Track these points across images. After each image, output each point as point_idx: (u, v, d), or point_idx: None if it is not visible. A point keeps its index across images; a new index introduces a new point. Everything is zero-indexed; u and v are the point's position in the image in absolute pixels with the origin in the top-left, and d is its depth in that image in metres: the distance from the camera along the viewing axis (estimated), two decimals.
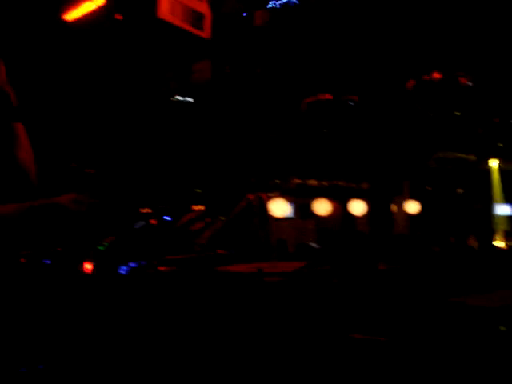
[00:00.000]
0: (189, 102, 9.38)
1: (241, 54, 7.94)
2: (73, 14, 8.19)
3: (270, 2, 7.95)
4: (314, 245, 11.52)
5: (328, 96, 8.68)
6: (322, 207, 11.90)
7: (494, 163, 14.49)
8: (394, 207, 14.11)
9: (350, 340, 4.31)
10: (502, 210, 15.77)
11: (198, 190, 10.29)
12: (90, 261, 6.72)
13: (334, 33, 7.85)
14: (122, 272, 6.45)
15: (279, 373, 4.09)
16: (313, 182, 12.75)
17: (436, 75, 8.23)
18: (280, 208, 10.40)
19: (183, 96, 9.12)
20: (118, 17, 7.91)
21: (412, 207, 13.58)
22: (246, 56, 7.98)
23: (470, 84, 8.30)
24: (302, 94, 9.07)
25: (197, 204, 9.60)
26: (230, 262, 6.97)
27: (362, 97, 8.80)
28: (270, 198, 10.08)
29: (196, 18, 7.28)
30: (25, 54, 7.40)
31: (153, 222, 8.67)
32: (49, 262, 6.73)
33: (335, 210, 12.34)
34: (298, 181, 12.40)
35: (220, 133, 9.49)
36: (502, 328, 4.53)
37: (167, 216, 9.32)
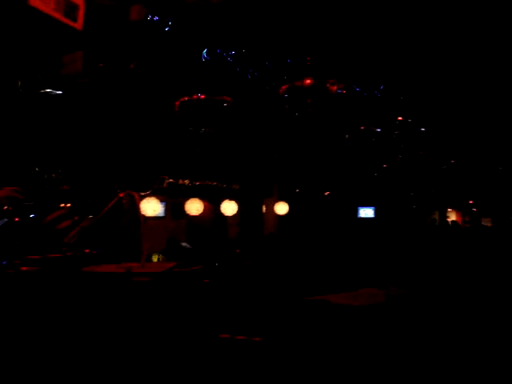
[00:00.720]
0: (58, 94, 9.00)
1: (114, 48, 7.73)
2: None
3: None
4: (185, 244, 11.50)
5: (201, 96, 8.67)
6: (194, 207, 11.89)
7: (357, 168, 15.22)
8: (263, 208, 14.42)
9: (220, 341, 4.34)
10: (365, 212, 16.66)
11: (66, 187, 9.90)
12: None
13: (210, 33, 7.87)
14: None
15: (148, 375, 4.03)
16: (185, 182, 12.71)
17: (308, 81, 8.47)
18: (151, 207, 10.26)
19: (52, 88, 8.73)
20: None
21: (281, 208, 13.94)
22: (120, 50, 7.78)
23: (341, 91, 8.63)
24: (175, 92, 9.00)
25: (64, 201, 9.24)
26: (97, 262, 6.76)
27: (236, 97, 8.88)
28: (141, 196, 9.91)
29: (69, 8, 6.98)
30: None
31: (16, 219, 8.21)
32: None
33: (207, 210, 12.38)
34: (171, 180, 12.31)
35: (90, 128, 9.20)
36: (363, 325, 4.75)
37: (31, 213, 8.87)
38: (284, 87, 8.50)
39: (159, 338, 4.42)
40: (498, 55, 8.57)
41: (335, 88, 8.62)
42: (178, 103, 8.90)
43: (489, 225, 19.17)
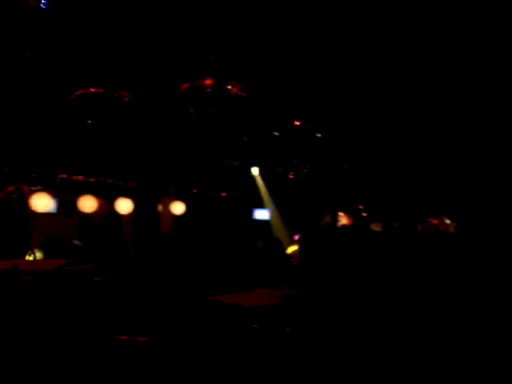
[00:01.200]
0: None
1: (10, 35, 7.39)
2: None
3: None
4: (76, 242, 11.16)
5: (99, 90, 8.44)
6: (88, 204, 11.57)
7: (255, 170, 15.40)
8: (159, 207, 14.26)
9: (112, 341, 4.24)
10: (260, 214, 16.85)
11: None
12: None
13: (110, 24, 7.70)
14: None
15: (33, 375, 3.87)
16: (79, 178, 12.34)
17: (208, 81, 8.48)
18: (42, 203, 9.87)
19: None
20: None
21: (177, 208, 13.85)
22: (16, 38, 7.44)
23: (241, 94, 8.70)
24: (72, 84, 8.72)
25: None
26: None
27: (135, 94, 8.73)
28: (31, 191, 9.52)
29: None
30: None
31: None
32: None
33: (101, 208, 12.08)
34: (63, 175, 11.90)
35: None
36: (256, 326, 4.81)
37: None
38: (185, 86, 8.45)
39: (47, 337, 4.27)
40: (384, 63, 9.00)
41: (235, 90, 8.68)
42: (74, 96, 8.63)
43: (378, 229, 19.99)
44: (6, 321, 4.44)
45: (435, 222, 25.39)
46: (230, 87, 8.58)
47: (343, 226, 19.66)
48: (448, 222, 24.63)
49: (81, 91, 8.54)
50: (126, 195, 12.61)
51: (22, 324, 4.43)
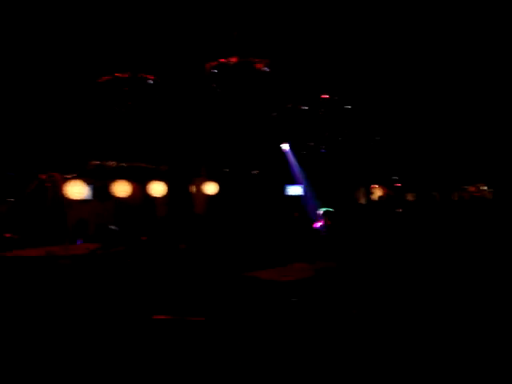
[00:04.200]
0: None
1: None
2: None
3: None
4: (112, 227, 11.30)
5: (124, 74, 8.46)
6: (121, 189, 11.68)
7: (285, 146, 15.38)
8: (192, 188, 14.35)
9: (153, 321, 4.30)
10: (293, 190, 16.82)
11: None
12: None
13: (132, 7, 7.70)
14: None
15: (75, 358, 3.95)
16: (111, 164, 12.45)
17: (233, 59, 8.44)
18: (77, 190, 10.00)
19: None
20: None
21: (210, 188, 13.89)
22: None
23: (267, 70, 8.63)
24: (99, 70, 8.76)
25: None
26: (20, 247, 6.58)
27: (160, 76, 8.73)
28: (65, 179, 9.63)
29: None
30: None
31: None
32: None
33: (135, 192, 12.20)
34: (96, 162, 12.03)
35: (9, 107, 8.84)
36: (294, 300, 4.82)
37: None
38: (210, 64, 8.42)
39: (85, 320, 4.33)
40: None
41: (261, 66, 8.62)
42: (101, 82, 8.68)
43: (412, 199, 19.78)
44: (42, 303, 4.53)
45: (472, 189, 24.92)
46: (255, 63, 8.52)
47: (380, 197, 19.54)
48: (485, 188, 24.15)
49: (107, 77, 8.59)
50: (158, 178, 12.70)
51: (60, 306, 4.51)
